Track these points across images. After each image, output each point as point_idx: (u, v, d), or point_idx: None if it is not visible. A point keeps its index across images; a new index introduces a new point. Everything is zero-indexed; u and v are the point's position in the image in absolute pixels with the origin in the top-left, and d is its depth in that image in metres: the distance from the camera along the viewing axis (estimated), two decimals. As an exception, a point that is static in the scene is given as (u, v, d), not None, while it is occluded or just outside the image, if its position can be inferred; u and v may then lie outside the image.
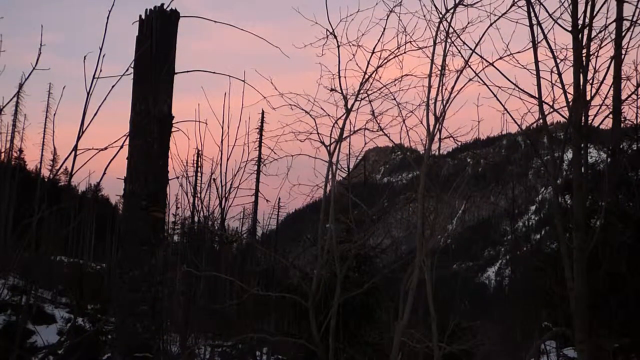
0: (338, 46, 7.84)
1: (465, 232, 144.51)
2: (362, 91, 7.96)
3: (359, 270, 16.51)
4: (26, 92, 43.77)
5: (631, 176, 10.16)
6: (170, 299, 15.60)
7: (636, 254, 9.59)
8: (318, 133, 8.10)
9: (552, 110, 7.58)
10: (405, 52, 7.81)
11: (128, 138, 4.72)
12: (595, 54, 7.44)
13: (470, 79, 7.63)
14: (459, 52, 7.60)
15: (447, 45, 7.52)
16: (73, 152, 4.32)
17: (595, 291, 8.63)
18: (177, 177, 12.14)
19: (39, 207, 4.69)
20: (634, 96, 9.12)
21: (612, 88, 8.48)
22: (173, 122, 4.91)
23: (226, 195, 11.76)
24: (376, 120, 8.09)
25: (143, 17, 4.87)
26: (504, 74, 7.58)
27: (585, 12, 7.28)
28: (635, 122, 10.50)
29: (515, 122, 7.81)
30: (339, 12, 7.68)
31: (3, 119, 43.24)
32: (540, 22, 7.44)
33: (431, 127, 7.50)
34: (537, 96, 7.47)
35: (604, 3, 7.32)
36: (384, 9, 7.63)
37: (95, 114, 4.40)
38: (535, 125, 8.27)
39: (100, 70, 4.34)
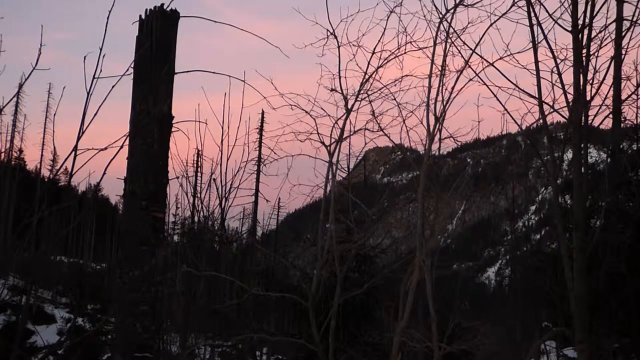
0: (338, 46, 7.84)
1: (465, 232, 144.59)
2: (362, 91, 7.96)
3: (359, 270, 16.51)
4: (26, 92, 43.74)
5: (631, 176, 10.16)
6: (170, 299, 15.61)
7: (636, 254, 9.60)
8: (318, 133, 8.09)
9: (552, 110, 7.58)
10: (405, 53, 7.80)
11: (128, 138, 4.72)
12: (595, 54, 7.44)
13: (471, 79, 7.63)
14: (459, 52, 7.60)
15: (447, 46, 7.52)
16: (73, 152, 4.32)
17: (595, 291, 8.63)
18: (177, 177, 12.16)
19: (39, 207, 4.69)
20: (634, 96, 9.14)
21: (612, 88, 8.49)
22: (173, 122, 4.91)
23: (226, 195, 11.78)
24: (376, 121, 8.08)
25: (143, 17, 4.87)
26: (504, 74, 7.59)
27: (585, 12, 7.28)
28: (635, 122, 10.52)
29: (515, 122, 7.81)
30: (340, 12, 7.69)
31: (3, 119, 43.08)
32: (540, 22, 7.44)
33: (431, 127, 7.50)
34: (537, 96, 7.47)
35: (604, 3, 7.33)
36: (384, 9, 7.62)
37: (95, 114, 4.40)
38: (535, 125, 8.28)
39: (101, 71, 4.34)
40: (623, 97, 8.85)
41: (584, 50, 7.33)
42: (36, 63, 4.39)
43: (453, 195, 8.16)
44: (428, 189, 7.66)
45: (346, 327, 14.71)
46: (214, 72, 5.41)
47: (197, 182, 17.96)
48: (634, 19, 7.50)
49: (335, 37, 7.83)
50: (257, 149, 28.32)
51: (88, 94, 4.38)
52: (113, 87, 4.48)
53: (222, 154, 11.46)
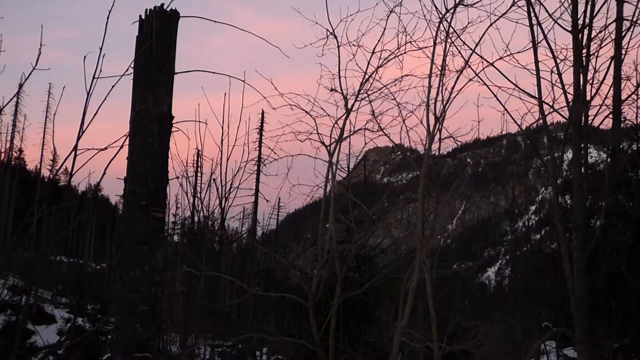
0: (338, 46, 7.82)
1: (465, 232, 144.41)
2: (362, 91, 7.94)
3: (359, 270, 16.53)
4: (26, 92, 43.81)
5: (631, 176, 10.16)
6: (170, 299, 15.61)
7: (636, 254, 9.60)
8: (318, 133, 8.08)
9: (552, 110, 7.60)
10: (405, 52, 7.79)
11: (128, 138, 4.71)
12: (595, 54, 7.46)
13: (470, 79, 7.63)
14: (459, 52, 7.59)
15: (447, 45, 7.51)
16: (73, 152, 4.32)
17: (595, 291, 8.63)
18: (177, 177, 12.17)
19: (39, 207, 4.69)
20: (634, 96, 9.16)
21: (612, 88, 8.50)
22: (173, 122, 4.90)
23: (226, 195, 11.77)
24: (376, 120, 8.07)
25: (143, 17, 4.87)
26: (504, 74, 7.60)
27: (585, 12, 7.30)
28: (635, 122, 10.53)
29: (515, 122, 7.83)
30: (339, 12, 7.68)
31: (3, 119, 43.23)
32: (540, 22, 7.46)
33: (431, 127, 7.49)
34: (537, 96, 7.49)
35: (604, 3, 7.35)
36: (384, 9, 7.60)
37: (95, 114, 4.40)
38: (535, 125, 8.29)
39: (100, 70, 4.34)
40: (623, 97, 8.86)
41: (584, 50, 7.34)
42: (36, 63, 4.39)
43: (453, 195, 8.15)
44: (428, 189, 7.65)
45: (346, 327, 14.72)
46: (214, 72, 5.41)
47: (197, 182, 17.96)
48: (634, 19, 7.51)
49: (335, 36, 7.82)
50: (257, 149, 28.37)
51: (88, 94, 4.38)
52: (113, 87, 4.48)
53: (222, 154, 11.47)
